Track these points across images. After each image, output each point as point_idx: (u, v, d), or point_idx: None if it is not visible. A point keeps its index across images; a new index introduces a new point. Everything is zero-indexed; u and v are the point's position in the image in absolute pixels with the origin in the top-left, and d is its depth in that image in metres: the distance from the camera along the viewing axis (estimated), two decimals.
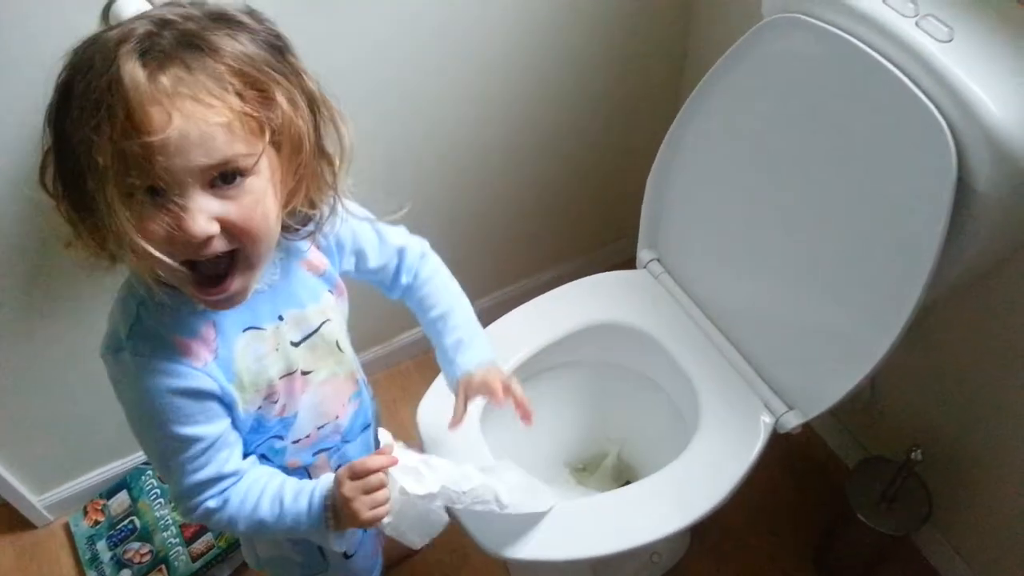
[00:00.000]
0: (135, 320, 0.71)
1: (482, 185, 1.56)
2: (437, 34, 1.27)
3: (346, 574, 1.04)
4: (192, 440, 0.73)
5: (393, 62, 1.26)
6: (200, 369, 0.72)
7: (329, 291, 0.85)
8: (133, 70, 0.57)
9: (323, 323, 0.83)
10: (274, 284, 0.78)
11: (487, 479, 0.92)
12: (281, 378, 0.80)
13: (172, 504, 0.80)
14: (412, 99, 1.33)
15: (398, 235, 0.95)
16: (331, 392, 0.88)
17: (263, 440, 0.83)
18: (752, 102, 1.09)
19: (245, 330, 0.76)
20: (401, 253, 0.95)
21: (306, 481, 0.82)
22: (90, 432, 1.48)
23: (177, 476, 0.76)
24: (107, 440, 1.53)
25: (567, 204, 1.74)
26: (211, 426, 0.74)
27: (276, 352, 0.79)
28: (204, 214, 0.61)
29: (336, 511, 0.79)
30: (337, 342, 0.86)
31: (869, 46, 0.90)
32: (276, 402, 0.81)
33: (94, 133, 0.57)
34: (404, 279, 0.96)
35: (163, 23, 0.61)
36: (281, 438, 0.85)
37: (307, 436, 0.87)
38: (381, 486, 0.78)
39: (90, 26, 0.98)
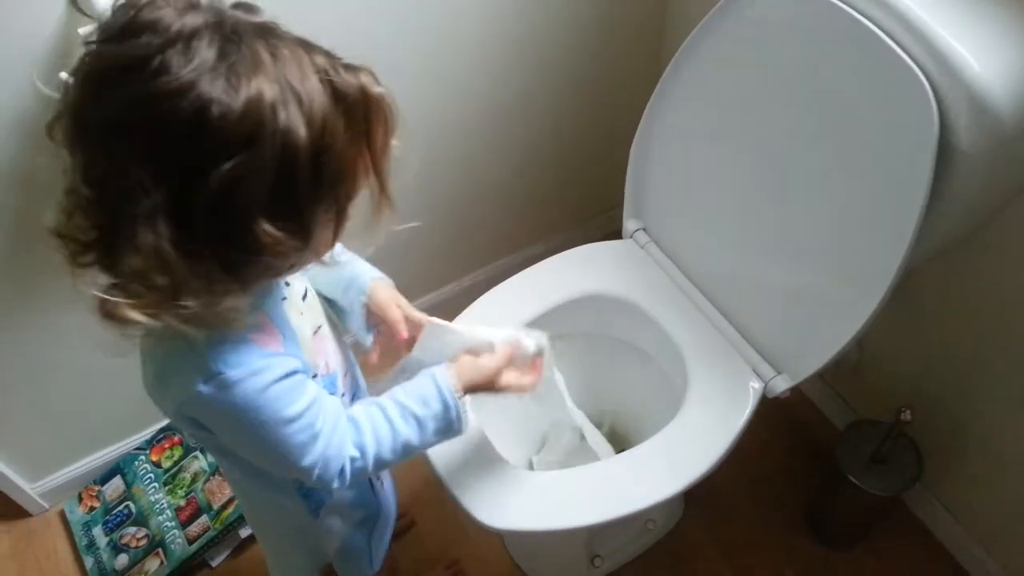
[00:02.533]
0: (209, 343, 0.67)
1: (465, 161, 1.55)
2: (413, 10, 1.26)
3: (386, 505, 1.06)
4: (304, 411, 0.72)
5: (367, 38, 1.24)
6: (284, 353, 0.72)
7: None
8: (372, 83, 0.63)
9: (304, 279, 0.85)
10: None
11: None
12: (312, 338, 0.81)
13: (319, 484, 0.78)
14: (388, 75, 1.31)
15: None
16: (336, 343, 0.89)
17: None
18: (732, 67, 1.08)
19: (282, 301, 0.77)
20: None
21: (413, 384, 0.84)
22: (83, 419, 1.48)
23: (308, 452, 0.74)
24: (100, 426, 1.53)
25: (553, 178, 1.73)
26: (308, 392, 0.74)
27: (301, 316, 0.80)
28: None
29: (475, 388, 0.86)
30: (315, 294, 0.88)
31: (848, 5, 0.89)
32: (319, 363, 0.82)
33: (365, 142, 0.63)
34: None
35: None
36: (331, 395, 0.85)
37: (344, 387, 0.89)
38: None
39: (56, 13, 0.97)
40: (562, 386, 1.07)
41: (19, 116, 1.04)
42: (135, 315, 0.59)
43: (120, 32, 0.57)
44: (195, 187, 0.56)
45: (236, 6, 0.61)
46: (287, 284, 0.79)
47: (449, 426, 0.83)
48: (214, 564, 1.49)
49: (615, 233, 1.34)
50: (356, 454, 0.78)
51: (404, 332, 0.93)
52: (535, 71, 1.49)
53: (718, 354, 1.15)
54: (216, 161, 0.55)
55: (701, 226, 1.22)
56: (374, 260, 1.23)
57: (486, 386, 0.88)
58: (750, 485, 1.52)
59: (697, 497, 1.48)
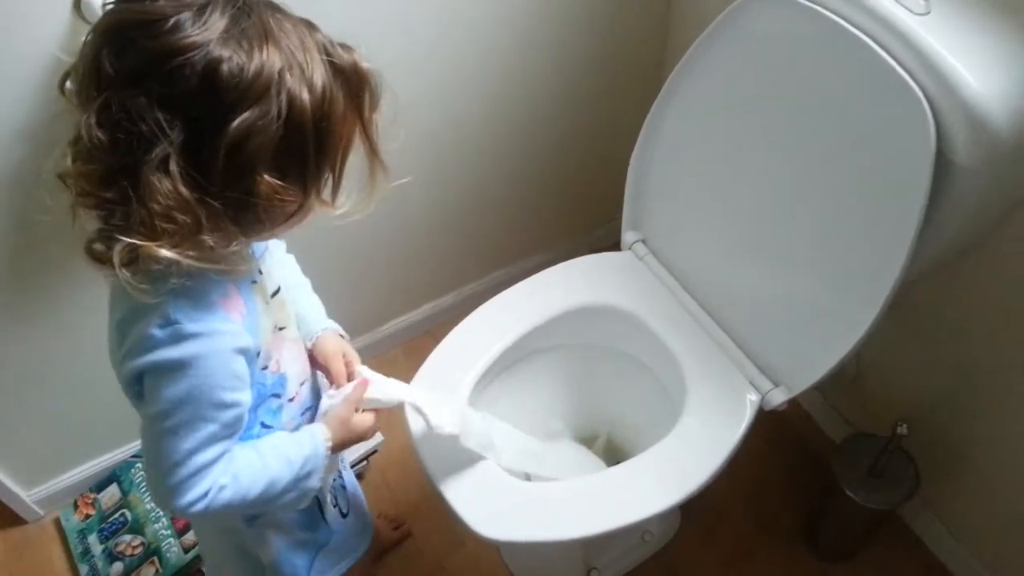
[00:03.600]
0: (175, 296, 0.69)
1: (463, 172, 1.56)
2: (411, 18, 1.26)
3: (347, 534, 1.06)
4: (231, 406, 0.74)
5: (362, 43, 1.24)
6: (243, 326, 0.74)
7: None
8: (362, 59, 0.70)
9: (275, 279, 0.86)
10: None
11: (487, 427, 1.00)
12: (272, 332, 0.82)
13: (164, 500, 0.76)
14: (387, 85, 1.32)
15: None
16: (299, 349, 0.91)
17: (263, 401, 0.85)
18: (732, 81, 1.09)
19: (252, 283, 0.79)
20: None
21: (289, 433, 0.85)
22: (79, 426, 1.48)
23: (196, 457, 0.73)
24: (96, 434, 1.53)
25: (551, 189, 1.74)
26: (246, 393, 0.76)
27: (266, 305, 0.81)
28: None
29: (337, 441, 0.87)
30: (288, 300, 0.90)
31: (847, 21, 0.90)
32: (271, 359, 0.83)
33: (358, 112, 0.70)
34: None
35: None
36: (278, 396, 0.86)
37: (295, 393, 0.89)
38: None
39: (63, 17, 0.97)
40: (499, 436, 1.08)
41: (28, 122, 1.04)
42: (166, 252, 0.63)
43: None
44: (205, 136, 0.61)
45: None
46: (260, 272, 0.81)
47: (313, 461, 0.84)
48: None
49: (614, 245, 1.35)
50: (226, 481, 0.76)
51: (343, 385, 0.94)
52: (535, 83, 1.49)
53: (715, 366, 1.15)
54: (226, 115, 0.61)
55: (699, 238, 1.22)
56: (375, 266, 1.24)
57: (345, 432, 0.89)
58: (747, 498, 1.52)
59: (694, 510, 1.48)
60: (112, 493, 1.56)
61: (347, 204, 0.76)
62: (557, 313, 1.23)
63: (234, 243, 0.68)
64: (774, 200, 1.08)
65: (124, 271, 0.64)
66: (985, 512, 1.31)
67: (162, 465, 0.73)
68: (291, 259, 1.00)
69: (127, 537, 1.50)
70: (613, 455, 1.40)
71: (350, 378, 0.93)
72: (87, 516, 1.54)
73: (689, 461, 1.05)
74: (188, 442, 0.73)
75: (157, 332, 0.69)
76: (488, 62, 1.40)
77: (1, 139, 1.04)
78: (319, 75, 0.66)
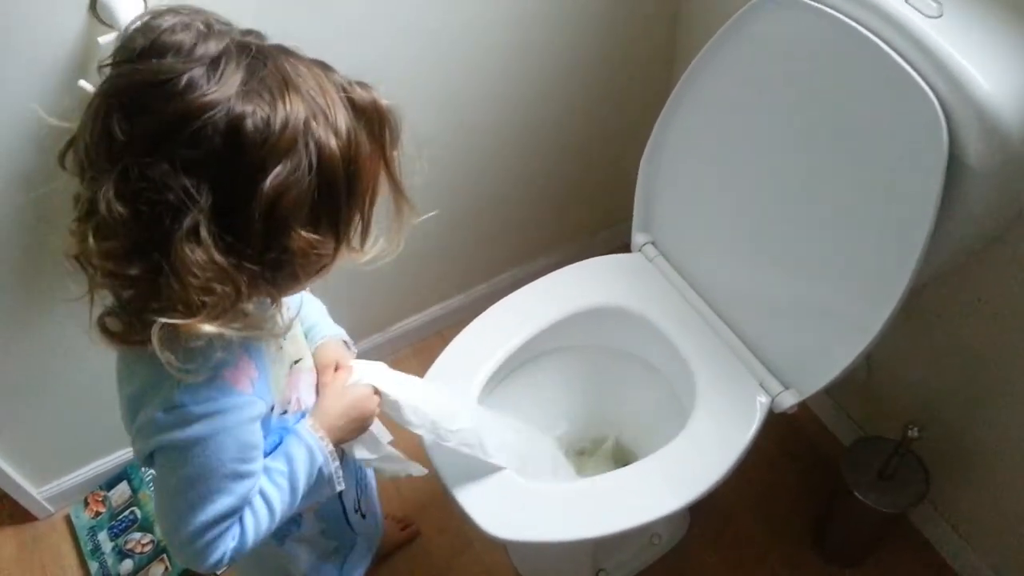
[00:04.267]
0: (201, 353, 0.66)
1: (473, 174, 1.56)
2: (421, 19, 1.27)
3: (367, 535, 1.06)
4: (244, 476, 0.72)
5: (372, 46, 1.25)
6: (253, 395, 0.72)
7: None
8: (380, 96, 0.67)
9: (295, 316, 0.84)
10: None
11: (477, 426, 0.98)
12: (288, 374, 0.81)
13: (187, 563, 0.76)
14: (396, 88, 1.32)
15: None
16: (313, 375, 0.89)
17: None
18: (742, 82, 1.09)
19: None
20: None
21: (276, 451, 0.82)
22: (90, 424, 1.48)
23: (214, 528, 0.72)
24: (107, 432, 1.53)
25: (561, 191, 1.74)
26: (259, 462, 0.74)
27: (280, 350, 0.80)
28: None
29: (331, 430, 0.82)
30: (299, 325, 0.88)
31: (859, 23, 0.90)
32: (291, 400, 0.82)
33: (381, 151, 0.67)
34: None
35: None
36: None
37: None
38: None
39: (79, 19, 0.98)
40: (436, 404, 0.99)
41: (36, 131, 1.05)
42: (208, 328, 0.60)
43: (142, 53, 0.58)
44: (237, 198, 0.58)
45: (247, 33, 0.63)
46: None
47: (316, 471, 0.81)
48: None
49: (623, 247, 1.35)
50: (234, 544, 0.76)
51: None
52: (545, 85, 1.49)
53: (725, 368, 1.15)
54: (256, 173, 0.57)
55: (709, 240, 1.22)
56: (385, 267, 1.22)
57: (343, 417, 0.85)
58: (756, 501, 1.52)
59: (702, 512, 1.48)
60: (122, 491, 1.57)
61: (376, 248, 0.73)
62: (566, 315, 1.23)
63: (273, 305, 0.66)
64: (784, 202, 1.08)
65: (167, 352, 0.61)
66: (995, 516, 1.30)
67: (179, 535, 0.72)
68: None
69: (137, 535, 1.51)
70: (622, 457, 1.40)
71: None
72: (97, 513, 1.55)
73: (698, 463, 1.05)
74: (203, 515, 0.71)
75: (161, 416, 0.67)
76: (497, 65, 1.41)
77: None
78: (342, 118, 0.63)
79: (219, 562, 0.75)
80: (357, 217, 0.68)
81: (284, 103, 0.58)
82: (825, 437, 1.60)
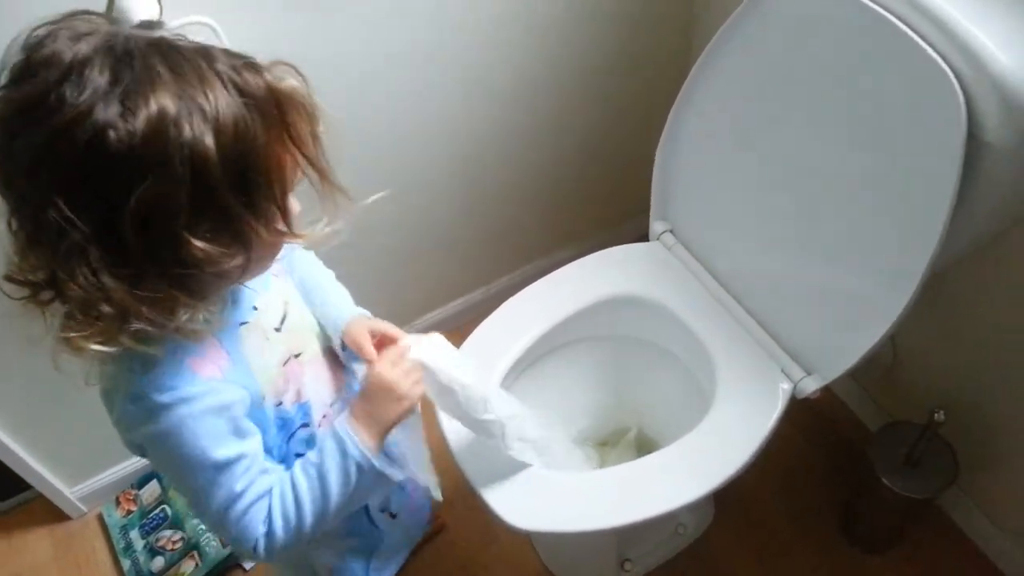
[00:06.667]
0: (144, 363, 0.67)
1: (491, 166, 1.56)
2: (439, 12, 1.27)
3: (401, 533, 1.05)
4: (233, 461, 0.72)
5: (392, 43, 1.26)
6: (222, 381, 0.71)
7: (273, 275, 0.83)
8: (281, 78, 0.64)
9: (286, 304, 0.84)
10: None
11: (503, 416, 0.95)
12: (283, 366, 0.81)
13: (234, 551, 0.76)
14: (416, 83, 1.33)
15: None
16: (324, 368, 0.89)
17: (293, 434, 0.84)
18: (757, 66, 1.08)
19: (240, 325, 0.76)
20: None
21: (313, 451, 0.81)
22: None
23: (230, 511, 0.73)
24: None
25: (580, 182, 1.73)
26: (246, 442, 0.73)
27: (268, 341, 0.79)
28: None
29: (368, 418, 0.79)
30: (306, 318, 0.88)
31: (875, 1, 0.89)
32: (288, 391, 0.81)
33: (284, 135, 0.63)
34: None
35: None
36: (307, 425, 0.85)
37: (324, 417, 0.88)
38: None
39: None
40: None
41: None
42: (88, 345, 0.60)
43: (19, 74, 0.57)
44: (116, 213, 0.55)
45: (136, 25, 0.60)
46: (255, 308, 0.78)
47: (356, 472, 0.77)
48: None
49: (643, 238, 1.34)
50: (275, 526, 0.75)
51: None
52: (561, 78, 1.49)
53: (746, 355, 1.14)
54: (128, 185, 0.55)
55: (728, 226, 1.21)
56: (405, 263, 1.22)
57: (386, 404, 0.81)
58: (781, 488, 1.51)
59: (728, 500, 1.47)
60: (152, 489, 1.59)
61: (316, 229, 0.70)
62: (586, 305, 1.23)
63: (185, 312, 0.63)
64: (802, 186, 1.07)
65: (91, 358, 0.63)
66: None
67: (206, 520, 0.74)
68: (310, 255, 0.96)
69: (167, 532, 1.53)
70: (646, 447, 1.40)
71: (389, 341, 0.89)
72: (128, 512, 1.58)
73: (721, 450, 1.05)
74: (216, 502, 0.72)
75: (131, 407, 0.68)
76: (512, 57, 1.41)
77: None
78: (226, 110, 0.58)
79: (256, 548, 0.75)
80: (268, 206, 0.63)
81: (147, 106, 0.55)
82: (851, 423, 1.59)
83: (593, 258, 1.29)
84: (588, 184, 1.76)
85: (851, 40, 0.94)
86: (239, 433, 0.73)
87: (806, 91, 1.02)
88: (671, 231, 1.30)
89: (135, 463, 1.60)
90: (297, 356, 0.84)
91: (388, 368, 0.81)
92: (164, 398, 0.67)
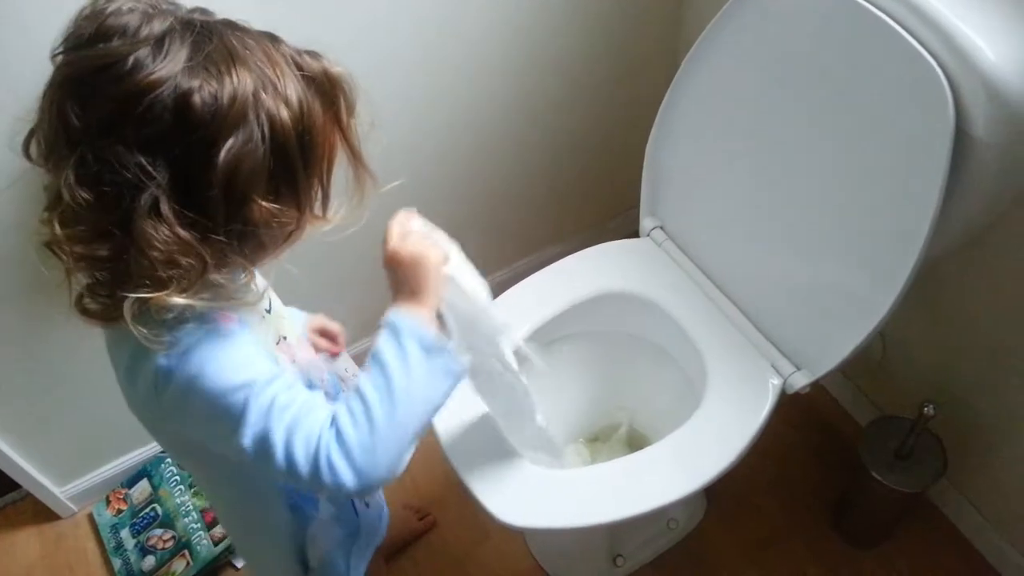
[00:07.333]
0: (173, 325, 0.65)
1: (481, 163, 1.56)
2: (430, 7, 1.27)
3: (368, 528, 1.05)
4: (275, 376, 0.68)
5: (391, 36, 1.26)
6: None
7: None
8: (331, 64, 0.67)
9: (268, 290, 0.83)
10: None
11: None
12: (276, 346, 0.81)
13: (308, 479, 0.69)
14: (409, 78, 1.33)
15: None
16: (308, 350, 0.90)
17: None
18: (746, 62, 1.08)
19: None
20: None
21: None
22: (110, 423, 1.50)
23: (287, 426, 0.67)
24: (126, 430, 1.55)
25: (571, 178, 1.73)
26: (280, 368, 0.71)
27: (264, 322, 0.80)
28: None
29: (411, 296, 0.76)
30: (282, 306, 0.89)
31: None
32: (287, 367, 0.81)
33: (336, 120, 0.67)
34: None
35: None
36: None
37: (321, 383, 0.88)
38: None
39: None
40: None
41: None
42: (177, 299, 0.61)
43: (89, 39, 0.59)
44: (193, 173, 0.59)
45: (192, 11, 0.64)
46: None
47: (424, 355, 0.72)
48: (239, 565, 1.51)
49: (633, 234, 1.34)
50: (332, 434, 0.68)
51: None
52: (551, 71, 1.49)
53: (736, 350, 1.14)
54: (209, 147, 0.59)
55: (718, 222, 1.22)
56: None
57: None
58: (772, 483, 1.51)
59: (719, 495, 1.47)
60: (143, 488, 1.59)
61: (339, 216, 0.73)
62: (576, 301, 1.23)
63: (243, 274, 0.67)
64: (791, 181, 1.07)
65: (139, 327, 0.62)
66: (1015, 492, 1.29)
67: (273, 458, 0.67)
68: None
69: (158, 531, 1.53)
70: (636, 443, 1.40)
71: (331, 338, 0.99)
72: (119, 511, 1.57)
73: (711, 446, 1.05)
74: (267, 421, 0.67)
75: (163, 361, 0.66)
76: (502, 53, 1.40)
77: None
78: (292, 88, 0.63)
79: (331, 460, 0.67)
80: (316, 185, 0.68)
81: (231, 77, 0.59)
82: (842, 417, 1.60)
83: (584, 254, 1.29)
84: (578, 181, 1.75)
85: (840, 36, 0.94)
86: (272, 360, 0.71)
87: (795, 87, 1.02)
88: (661, 227, 1.30)
89: (125, 461, 1.60)
90: (284, 339, 0.84)
91: (401, 243, 0.78)
92: (191, 338, 0.66)
